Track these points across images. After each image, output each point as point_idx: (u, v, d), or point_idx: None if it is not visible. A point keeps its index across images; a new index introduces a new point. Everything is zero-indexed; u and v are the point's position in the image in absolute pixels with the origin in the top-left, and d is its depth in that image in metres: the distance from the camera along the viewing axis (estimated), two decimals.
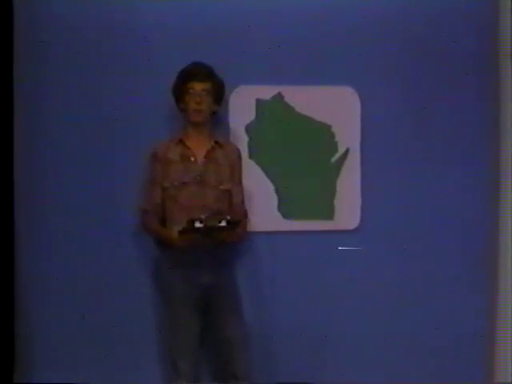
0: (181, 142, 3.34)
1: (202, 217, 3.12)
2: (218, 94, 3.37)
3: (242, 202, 3.43)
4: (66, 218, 3.50)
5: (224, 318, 3.30)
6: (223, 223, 3.11)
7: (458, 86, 3.67)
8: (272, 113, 3.61)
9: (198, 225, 3.10)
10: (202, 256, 3.23)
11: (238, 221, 3.21)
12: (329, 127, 3.65)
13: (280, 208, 3.63)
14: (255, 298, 3.54)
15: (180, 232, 3.14)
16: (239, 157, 3.46)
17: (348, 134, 3.64)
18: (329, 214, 3.65)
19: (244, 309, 3.38)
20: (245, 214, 3.43)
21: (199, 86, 3.28)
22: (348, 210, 3.65)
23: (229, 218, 3.14)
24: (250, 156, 3.59)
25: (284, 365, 3.59)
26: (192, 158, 3.32)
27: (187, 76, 3.30)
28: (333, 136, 3.65)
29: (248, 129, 3.60)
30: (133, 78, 3.50)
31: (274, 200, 3.62)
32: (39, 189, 3.49)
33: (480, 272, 3.72)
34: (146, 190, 3.36)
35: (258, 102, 3.59)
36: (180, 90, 3.33)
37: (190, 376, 3.24)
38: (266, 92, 3.60)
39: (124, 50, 3.50)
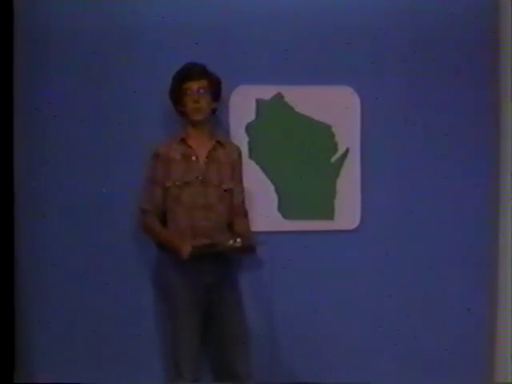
0: (182, 141, 3.34)
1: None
2: (216, 91, 3.36)
3: (243, 201, 3.43)
4: (66, 218, 3.50)
5: (226, 317, 3.31)
6: (238, 244, 3.15)
7: (458, 86, 3.67)
8: (272, 113, 3.61)
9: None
10: (203, 256, 3.22)
11: (250, 244, 3.23)
12: (329, 127, 3.65)
13: (280, 208, 3.63)
14: (255, 298, 3.54)
15: (193, 247, 3.14)
16: (240, 156, 3.46)
17: (348, 134, 3.64)
18: (329, 214, 3.65)
19: (245, 309, 3.38)
20: (245, 214, 3.44)
21: (195, 84, 3.28)
22: (348, 210, 3.65)
23: (239, 240, 3.17)
24: (250, 156, 3.59)
25: (285, 364, 3.59)
26: (193, 158, 3.31)
27: (182, 77, 3.30)
28: (333, 136, 3.65)
29: (248, 129, 3.60)
30: (132, 78, 3.51)
31: (274, 200, 3.62)
32: (39, 189, 3.49)
33: (480, 272, 3.72)
34: (147, 189, 3.34)
35: (258, 101, 3.59)
36: (177, 93, 3.32)
37: (191, 376, 3.24)
38: (266, 92, 3.60)
39: (124, 49, 3.50)
